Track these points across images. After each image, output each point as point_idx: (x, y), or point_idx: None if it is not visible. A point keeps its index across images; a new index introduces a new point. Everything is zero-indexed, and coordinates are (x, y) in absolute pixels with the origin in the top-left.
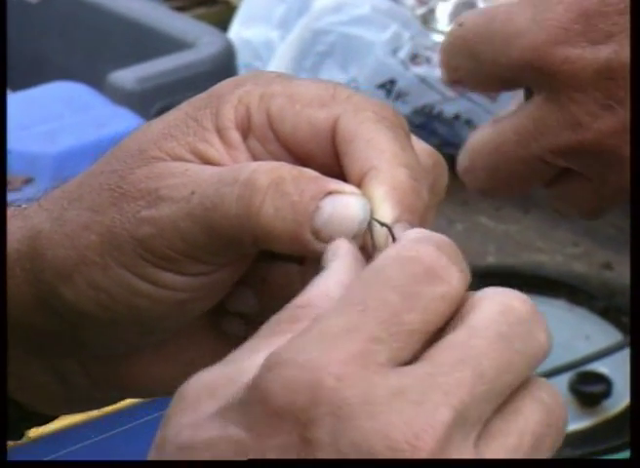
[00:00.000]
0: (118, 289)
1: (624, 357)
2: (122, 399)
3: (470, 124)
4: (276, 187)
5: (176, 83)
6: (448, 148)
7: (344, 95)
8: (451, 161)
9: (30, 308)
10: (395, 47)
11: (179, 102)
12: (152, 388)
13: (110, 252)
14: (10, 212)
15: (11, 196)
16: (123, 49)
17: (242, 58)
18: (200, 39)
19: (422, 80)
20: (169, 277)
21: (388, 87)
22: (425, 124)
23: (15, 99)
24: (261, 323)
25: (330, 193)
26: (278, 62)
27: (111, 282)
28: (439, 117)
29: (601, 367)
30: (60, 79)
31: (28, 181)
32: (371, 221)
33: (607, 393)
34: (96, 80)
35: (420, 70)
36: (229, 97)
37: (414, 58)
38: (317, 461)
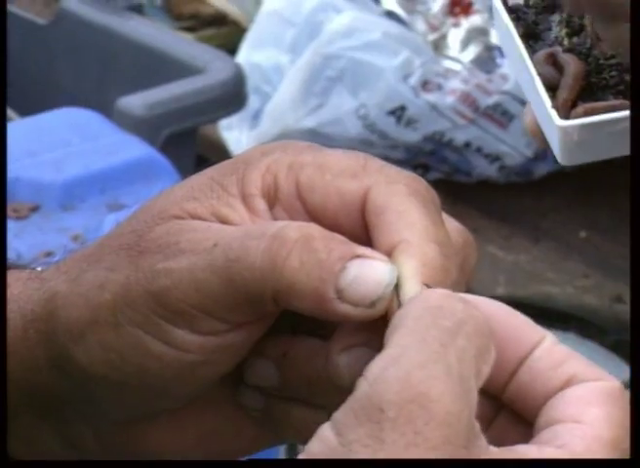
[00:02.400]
0: (129, 349)
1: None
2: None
3: (481, 151)
4: (304, 242)
5: (185, 109)
6: (458, 176)
7: (376, 166)
8: (460, 188)
9: (42, 371)
10: (406, 73)
11: (187, 129)
12: (165, 457)
13: (123, 309)
14: (26, 274)
15: (18, 224)
16: (132, 73)
17: (251, 82)
18: (210, 64)
19: (433, 107)
20: (181, 335)
21: (398, 113)
22: (436, 151)
23: (22, 126)
24: (280, 397)
25: (358, 256)
26: (288, 87)
27: (122, 342)
28: (449, 144)
29: None
30: (67, 104)
31: (35, 209)
32: (398, 288)
33: None
34: (104, 105)
35: (430, 97)
36: (257, 165)
37: (425, 85)
38: None
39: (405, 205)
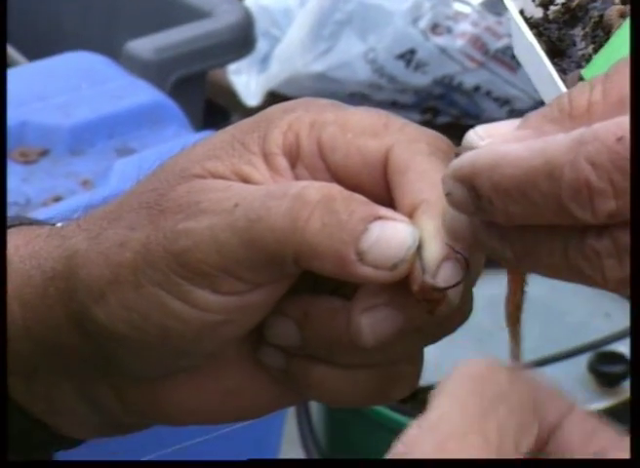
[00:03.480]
0: (150, 309)
1: None
2: (151, 425)
3: (490, 95)
4: (326, 204)
5: (193, 53)
6: (467, 119)
7: (397, 125)
8: None
9: (63, 329)
10: (415, 16)
11: (196, 73)
12: (185, 417)
13: (144, 269)
14: (46, 230)
15: (26, 168)
16: (140, 17)
17: (260, 26)
18: (218, 7)
19: (442, 50)
20: (202, 295)
21: (408, 57)
22: (445, 95)
23: (31, 70)
24: (300, 356)
25: (380, 218)
26: (296, 30)
27: (143, 301)
28: (459, 88)
29: (621, 346)
30: (75, 48)
31: (44, 153)
32: (420, 249)
33: (627, 373)
34: (112, 49)
35: (440, 40)
36: (279, 123)
37: (434, 28)
38: None
39: (426, 164)
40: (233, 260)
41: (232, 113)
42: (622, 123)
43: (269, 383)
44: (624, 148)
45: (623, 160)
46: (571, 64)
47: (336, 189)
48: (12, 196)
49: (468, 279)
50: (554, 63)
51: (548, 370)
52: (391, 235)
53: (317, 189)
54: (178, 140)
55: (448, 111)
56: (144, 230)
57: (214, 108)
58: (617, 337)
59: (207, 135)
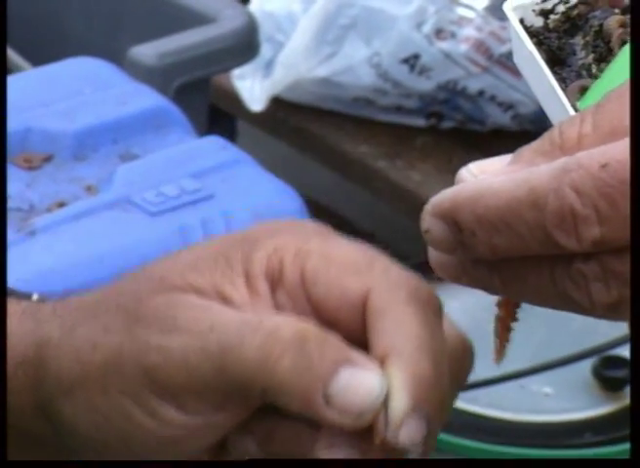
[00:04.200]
0: (115, 414)
1: None
2: None
3: (494, 99)
4: (299, 343)
5: (197, 58)
6: (472, 124)
7: (381, 266)
8: (474, 137)
9: (27, 415)
10: (420, 21)
11: (200, 78)
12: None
13: (112, 375)
14: (20, 308)
15: (30, 174)
16: (143, 23)
17: (264, 31)
18: (222, 13)
19: (447, 55)
20: (167, 411)
21: (412, 62)
22: (449, 99)
23: (34, 75)
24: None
25: (351, 364)
26: (300, 35)
27: (109, 405)
28: (463, 93)
29: (625, 351)
30: (79, 53)
31: (48, 159)
32: (386, 400)
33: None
34: (115, 54)
35: (444, 45)
36: (264, 245)
37: (438, 33)
38: None
39: (404, 313)
40: (202, 383)
41: (237, 118)
42: (607, 151)
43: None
44: (609, 175)
45: (608, 187)
46: (571, 73)
47: (310, 330)
48: (15, 202)
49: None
50: (554, 72)
51: (552, 375)
52: (360, 383)
53: (292, 327)
54: (181, 146)
55: (452, 116)
56: (118, 336)
57: (218, 113)
58: (621, 342)
59: (212, 140)
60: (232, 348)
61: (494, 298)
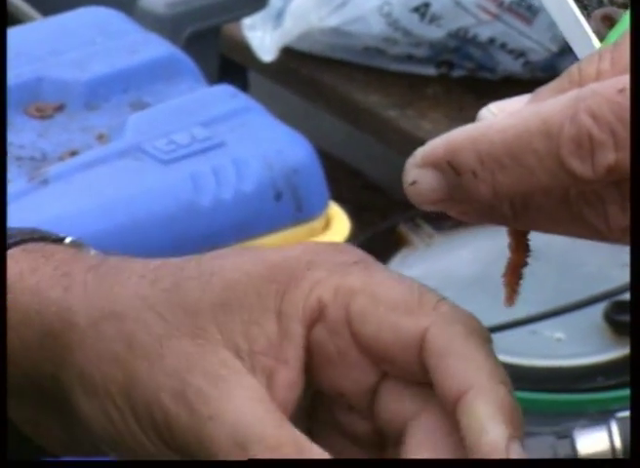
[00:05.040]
0: (127, 435)
1: None
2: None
3: (505, 47)
4: None
5: (207, 7)
6: (483, 72)
7: (432, 302)
8: (485, 85)
9: (46, 379)
10: None
11: (210, 27)
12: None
13: (128, 400)
14: (52, 262)
15: (42, 123)
16: None
17: None
18: None
19: (457, 3)
20: (172, 455)
21: (422, 10)
22: (460, 48)
23: (45, 25)
24: None
25: None
26: None
27: (124, 426)
28: (473, 41)
29: None
30: (90, 3)
31: (59, 108)
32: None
33: None
34: (126, 4)
35: None
36: (300, 282)
37: None
38: None
39: (467, 349)
40: (188, 451)
41: (248, 69)
42: (622, 78)
43: None
44: (626, 99)
45: (625, 111)
46: (592, 1)
47: (287, 454)
48: (28, 151)
49: None
50: (577, 1)
51: (564, 320)
52: None
53: (270, 451)
54: (192, 94)
55: (463, 64)
56: (139, 363)
57: (230, 65)
58: None
59: (222, 88)
60: (218, 456)
61: (504, 245)
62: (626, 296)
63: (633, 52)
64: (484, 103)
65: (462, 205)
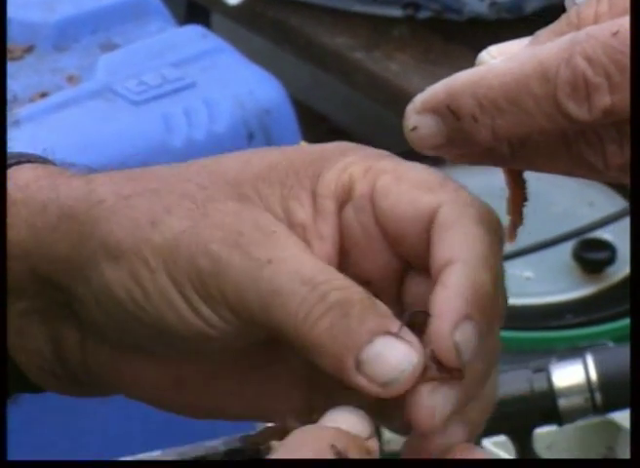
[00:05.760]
0: (156, 293)
1: (628, 224)
2: (108, 394)
3: None
4: (342, 307)
5: None
6: (449, 14)
7: (453, 186)
8: (451, 27)
9: (60, 267)
10: None
11: None
12: (134, 392)
13: (166, 259)
14: (71, 171)
15: (12, 65)
16: None
17: None
18: None
19: None
20: (206, 312)
21: None
22: None
23: None
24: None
25: (388, 333)
26: None
27: (154, 284)
28: None
29: (605, 233)
30: None
31: (29, 50)
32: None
33: (611, 260)
34: None
35: None
36: (334, 164)
37: None
38: None
39: (471, 229)
40: (242, 307)
41: (212, 11)
42: (616, 21)
43: (228, 389)
44: (619, 42)
45: (619, 54)
46: None
47: (357, 293)
48: None
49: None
50: None
51: (533, 258)
52: (391, 354)
53: (340, 289)
54: (162, 35)
55: (429, 6)
56: (180, 222)
57: (193, 6)
58: (600, 224)
59: (192, 29)
60: (279, 295)
61: (480, 185)
62: (595, 234)
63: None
64: (451, 45)
65: (463, 148)
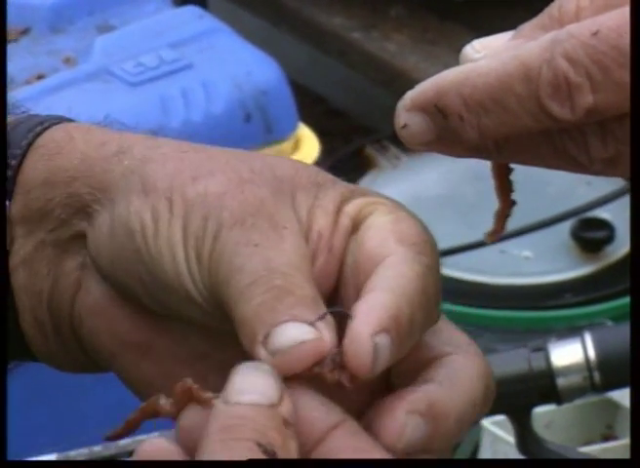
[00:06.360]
0: (165, 237)
1: (626, 203)
2: (97, 371)
3: None
4: (279, 292)
5: None
6: None
7: (417, 248)
8: (448, 6)
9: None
10: None
11: None
12: (105, 352)
13: (188, 211)
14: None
15: (8, 47)
16: None
17: None
18: None
19: None
20: (194, 268)
21: None
22: None
23: None
24: None
25: (306, 321)
26: None
27: (167, 227)
28: None
29: (603, 213)
30: None
31: (25, 32)
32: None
33: (609, 239)
34: None
35: None
36: (367, 195)
37: None
38: None
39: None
40: (215, 274)
41: None
42: (597, 19)
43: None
44: (600, 42)
45: (599, 53)
46: None
47: (301, 291)
48: None
49: None
50: None
51: (532, 238)
52: (295, 330)
53: (289, 283)
54: (159, 16)
55: None
56: (216, 187)
57: None
58: (598, 204)
59: (189, 9)
60: (242, 271)
61: (472, 166)
62: (593, 214)
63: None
64: (447, 25)
65: (452, 145)
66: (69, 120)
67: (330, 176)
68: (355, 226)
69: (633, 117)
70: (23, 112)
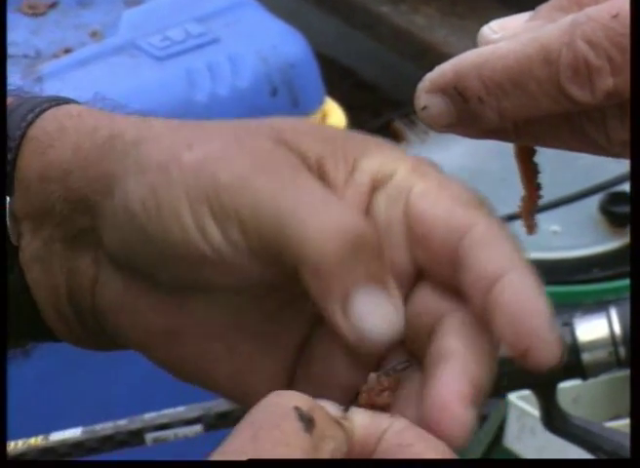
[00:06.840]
0: (167, 205)
1: None
2: (104, 345)
3: None
4: (355, 248)
5: None
6: None
7: (487, 210)
8: None
9: (94, 188)
10: None
11: None
12: (129, 342)
13: (187, 174)
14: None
15: (35, 21)
16: None
17: None
18: None
19: None
20: (212, 228)
21: None
22: None
23: None
24: None
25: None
26: None
27: (167, 195)
28: None
29: None
30: None
31: (53, 6)
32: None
33: None
34: None
35: None
36: (387, 150)
37: None
38: None
39: (506, 248)
40: (254, 225)
41: None
42: (616, 2)
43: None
44: (620, 24)
45: (620, 36)
46: None
47: (371, 241)
48: (22, 49)
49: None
50: None
51: (560, 212)
52: (380, 311)
53: (355, 232)
54: None
55: None
56: (214, 147)
57: None
58: (627, 178)
59: None
60: (299, 211)
61: (501, 142)
62: (622, 188)
63: None
64: None
65: (472, 127)
66: (57, 100)
67: (336, 129)
68: (376, 185)
69: (633, 118)
70: (14, 92)
